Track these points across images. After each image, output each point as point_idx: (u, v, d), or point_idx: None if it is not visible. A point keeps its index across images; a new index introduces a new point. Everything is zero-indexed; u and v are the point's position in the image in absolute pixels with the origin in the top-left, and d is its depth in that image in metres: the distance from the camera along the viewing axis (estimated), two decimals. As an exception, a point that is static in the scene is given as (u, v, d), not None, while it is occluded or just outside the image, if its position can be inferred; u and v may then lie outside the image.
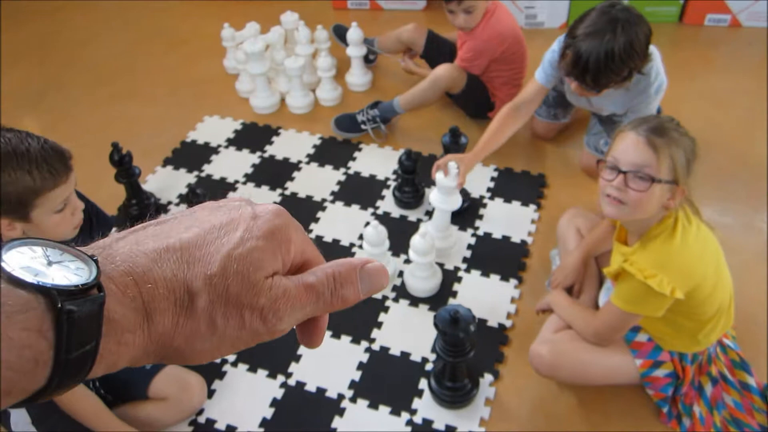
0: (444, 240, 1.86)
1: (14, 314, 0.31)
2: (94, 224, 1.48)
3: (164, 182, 2.24)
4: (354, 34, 2.49)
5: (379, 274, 0.44)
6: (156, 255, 0.37)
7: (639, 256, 1.29)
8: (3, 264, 0.32)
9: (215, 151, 2.37)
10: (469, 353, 1.42)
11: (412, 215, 2.04)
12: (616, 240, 1.42)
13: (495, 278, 1.82)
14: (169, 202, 2.15)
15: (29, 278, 0.32)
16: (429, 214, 2.04)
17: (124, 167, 1.97)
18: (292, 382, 1.60)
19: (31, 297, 0.32)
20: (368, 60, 2.71)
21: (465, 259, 1.88)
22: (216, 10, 3.26)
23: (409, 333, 1.70)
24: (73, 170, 1.26)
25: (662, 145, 1.25)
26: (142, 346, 0.36)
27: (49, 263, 0.34)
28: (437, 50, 2.48)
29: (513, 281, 1.82)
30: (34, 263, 0.34)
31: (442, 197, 1.78)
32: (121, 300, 0.35)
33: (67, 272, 0.34)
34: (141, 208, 2.07)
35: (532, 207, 2.06)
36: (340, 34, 2.73)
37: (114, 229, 1.51)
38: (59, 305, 0.32)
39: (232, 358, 1.67)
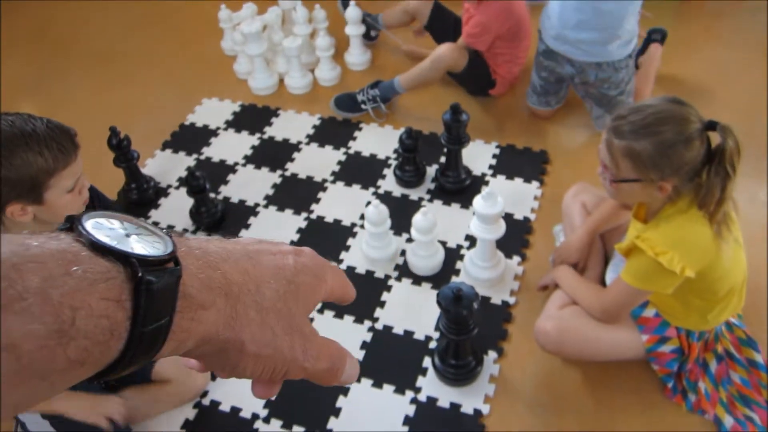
0: (492, 270, 1.72)
1: (95, 282, 0.30)
2: (97, 207, 1.47)
3: (163, 166, 2.22)
4: (353, 12, 2.45)
5: (355, 370, 0.46)
6: (226, 253, 0.39)
7: (651, 234, 1.27)
8: (85, 231, 0.32)
9: (214, 133, 2.35)
10: (472, 331, 1.41)
11: (414, 194, 2.03)
12: (634, 217, 1.40)
13: (498, 255, 1.81)
14: (169, 186, 2.14)
15: (113, 244, 0.32)
16: (430, 192, 2.02)
17: (122, 151, 1.96)
18: (295, 362, 1.60)
19: (112, 266, 0.31)
20: (370, 37, 2.67)
21: (467, 237, 1.87)
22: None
23: (412, 312, 1.69)
24: (80, 147, 1.26)
25: (618, 149, 1.25)
26: (213, 327, 0.36)
27: (127, 235, 0.34)
28: (442, 22, 2.45)
29: (516, 258, 1.81)
30: (113, 234, 0.33)
31: (483, 226, 1.62)
32: (196, 276, 0.35)
33: (144, 244, 0.34)
34: (140, 192, 2.06)
35: (535, 184, 2.04)
36: (345, 4, 2.68)
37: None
38: (140, 275, 0.32)
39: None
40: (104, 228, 0.34)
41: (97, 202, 1.49)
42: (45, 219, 1.24)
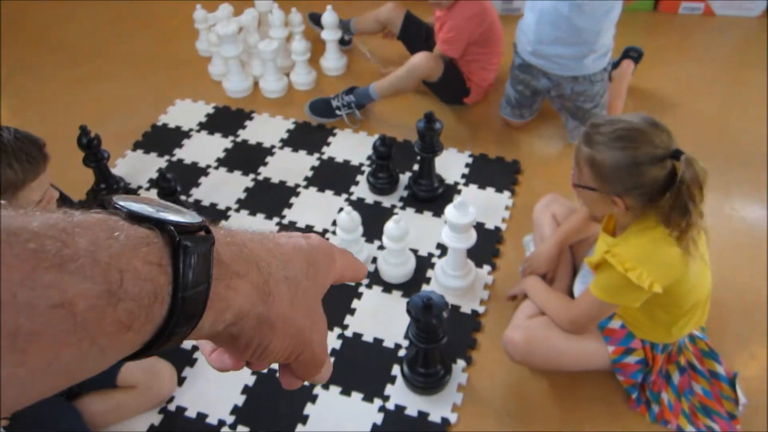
0: (462, 279, 1.73)
1: (138, 246, 0.31)
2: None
3: (134, 166, 2.20)
4: (329, 17, 2.45)
5: (330, 369, 0.47)
6: (247, 234, 0.40)
7: (621, 249, 1.29)
8: (120, 204, 0.34)
9: (187, 135, 2.32)
10: (441, 340, 1.41)
11: (387, 201, 2.03)
12: (603, 230, 1.42)
13: (469, 264, 1.82)
14: (140, 187, 2.11)
15: (149, 212, 0.34)
16: (403, 200, 2.03)
17: (92, 151, 1.93)
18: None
19: (150, 232, 0.33)
20: (344, 42, 2.67)
21: (438, 245, 1.87)
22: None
23: (382, 319, 1.69)
24: (49, 158, 1.23)
25: (584, 155, 1.28)
26: (249, 297, 0.37)
27: (158, 210, 0.35)
28: (414, 32, 2.46)
29: (486, 267, 1.82)
30: (145, 209, 0.34)
31: (454, 235, 1.63)
32: (228, 246, 0.37)
33: (175, 216, 0.35)
34: (110, 192, 2.03)
35: (507, 193, 2.06)
36: (315, 20, 2.70)
37: None
38: (177, 239, 0.33)
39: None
40: (136, 203, 0.35)
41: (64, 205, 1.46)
42: None
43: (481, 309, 1.72)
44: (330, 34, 2.50)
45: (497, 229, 1.94)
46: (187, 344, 1.64)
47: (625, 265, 1.26)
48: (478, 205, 1.97)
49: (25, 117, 2.43)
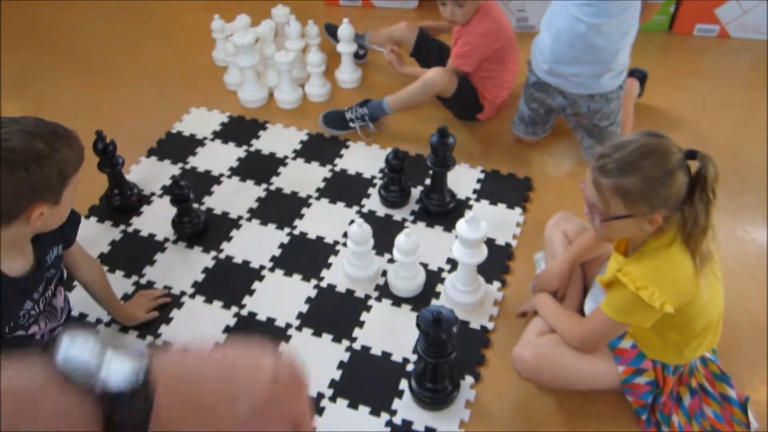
0: (472, 294, 1.73)
1: (64, 420, 0.32)
2: (66, 222, 1.44)
3: (148, 173, 2.21)
4: (345, 30, 2.47)
5: None
6: (202, 369, 0.40)
7: (633, 268, 1.29)
8: (62, 354, 0.34)
9: (201, 143, 2.34)
10: (450, 355, 1.41)
11: (398, 214, 2.03)
12: (615, 249, 1.41)
13: (479, 280, 1.81)
14: (152, 194, 2.12)
15: (84, 380, 0.33)
16: (414, 214, 2.03)
17: (107, 156, 1.94)
18: (271, 379, 1.59)
19: (80, 404, 0.33)
20: (358, 56, 2.69)
21: (449, 260, 1.87)
22: (207, 1, 3.22)
23: (390, 333, 1.69)
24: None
25: (606, 187, 1.26)
26: None
27: (99, 365, 0.35)
28: (427, 49, 2.47)
29: (496, 283, 1.81)
30: (86, 364, 0.34)
31: (465, 250, 1.63)
32: (168, 405, 0.36)
33: (119, 368, 0.35)
34: (123, 198, 2.04)
35: (518, 210, 2.05)
36: (332, 32, 2.71)
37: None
38: (109, 412, 0.33)
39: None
40: (78, 353, 0.34)
41: (68, 221, 1.44)
42: (47, 222, 1.21)
43: (490, 325, 1.71)
44: (345, 47, 2.52)
45: (508, 245, 1.93)
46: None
47: (637, 283, 1.25)
48: (490, 221, 1.96)
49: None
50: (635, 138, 1.26)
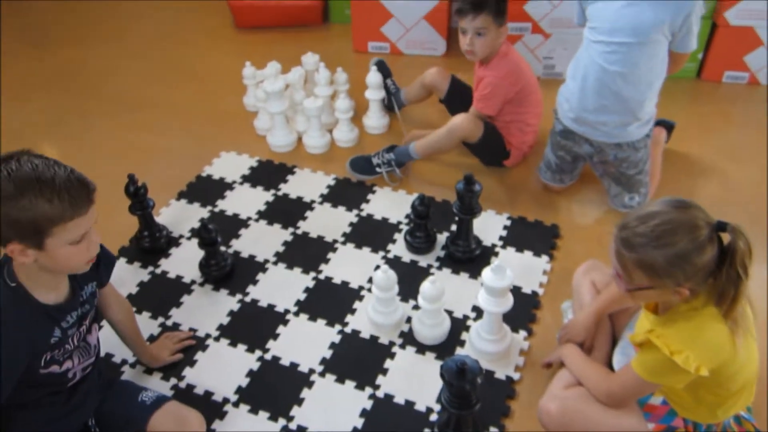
0: (497, 343, 1.70)
1: None
2: (101, 267, 1.47)
3: (177, 216, 2.25)
4: (373, 77, 2.51)
5: None
6: None
7: (666, 330, 1.25)
8: None
9: (230, 186, 2.38)
10: (475, 406, 1.38)
11: (423, 261, 2.03)
12: (645, 308, 1.39)
13: (505, 329, 1.79)
14: (181, 236, 2.16)
15: None
16: (440, 260, 2.02)
17: (138, 199, 1.98)
18: (293, 426, 1.57)
19: None
20: (388, 107, 2.70)
21: (474, 307, 1.86)
22: (238, 47, 3.31)
23: (414, 381, 1.67)
24: (94, 203, 1.26)
25: (630, 260, 1.23)
26: None
27: None
28: (459, 96, 2.49)
29: (522, 333, 1.79)
30: None
31: (491, 299, 1.62)
32: None
33: None
34: (153, 240, 2.08)
35: (545, 258, 2.04)
36: (382, 68, 2.72)
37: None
38: None
39: (234, 398, 1.64)
40: None
41: (103, 261, 1.47)
42: (46, 265, 1.25)
43: (515, 375, 1.68)
44: (374, 94, 2.56)
45: (534, 293, 1.91)
46: (217, 397, 1.64)
47: (671, 347, 1.22)
48: (516, 268, 1.95)
49: (74, 162, 2.48)
50: (660, 210, 1.22)
